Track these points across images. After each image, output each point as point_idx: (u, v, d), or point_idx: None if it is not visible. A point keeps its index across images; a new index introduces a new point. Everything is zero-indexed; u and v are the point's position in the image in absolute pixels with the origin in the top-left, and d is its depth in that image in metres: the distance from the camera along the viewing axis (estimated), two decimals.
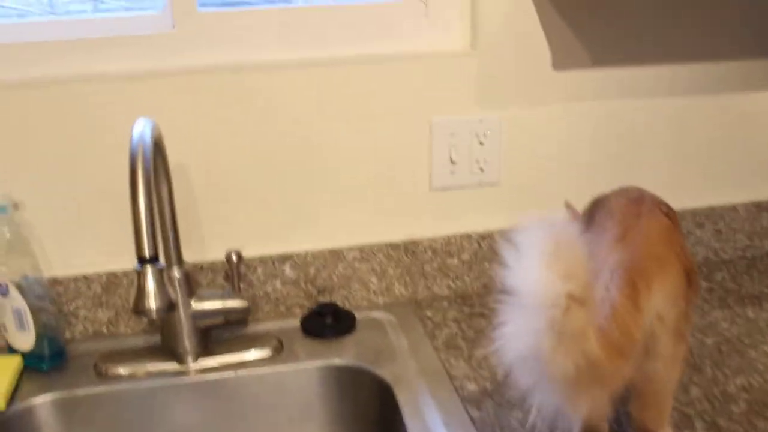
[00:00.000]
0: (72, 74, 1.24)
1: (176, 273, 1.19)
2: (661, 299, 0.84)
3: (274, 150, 1.32)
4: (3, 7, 1.31)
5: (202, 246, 1.34)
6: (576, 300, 0.72)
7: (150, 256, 0.92)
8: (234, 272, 1.27)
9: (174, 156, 1.27)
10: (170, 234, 1.17)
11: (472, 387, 1.15)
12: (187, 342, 1.22)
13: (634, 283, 0.83)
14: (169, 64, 1.26)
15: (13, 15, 1.30)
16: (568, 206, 1.03)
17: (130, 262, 1.32)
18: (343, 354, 1.26)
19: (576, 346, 0.74)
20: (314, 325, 1.33)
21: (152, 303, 0.94)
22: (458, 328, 1.33)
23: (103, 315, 1.34)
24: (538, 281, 0.72)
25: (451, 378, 1.17)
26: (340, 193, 1.36)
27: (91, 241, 1.31)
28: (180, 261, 1.20)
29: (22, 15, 1.30)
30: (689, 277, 0.89)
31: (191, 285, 1.22)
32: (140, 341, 1.34)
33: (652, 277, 0.84)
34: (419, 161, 1.37)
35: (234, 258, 1.23)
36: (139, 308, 0.94)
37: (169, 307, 0.95)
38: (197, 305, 1.21)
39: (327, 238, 1.38)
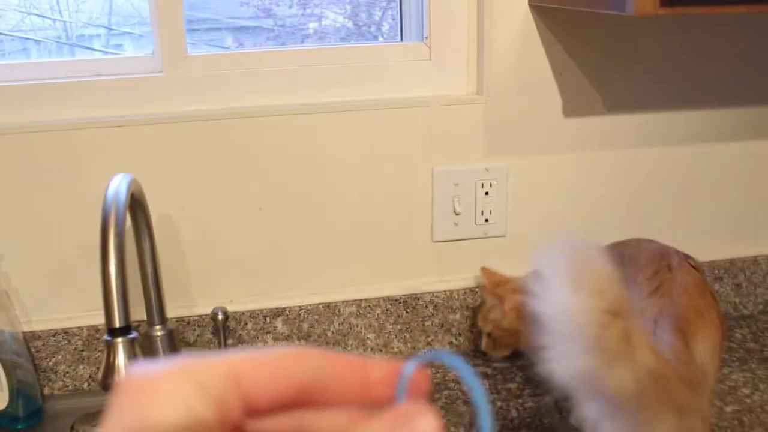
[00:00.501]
0: (50, 120, 1.17)
1: (158, 332, 1.12)
2: (704, 351, 0.81)
3: (267, 199, 1.25)
4: (15, 34, 1.25)
5: (189, 300, 1.27)
6: (611, 312, 0.69)
7: (121, 325, 0.85)
8: (221, 329, 1.20)
9: (159, 207, 1.20)
10: (152, 291, 1.10)
11: None
12: None
13: (682, 331, 0.80)
14: (156, 110, 1.20)
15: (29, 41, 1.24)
16: (485, 271, 1.20)
17: None
18: None
19: (626, 358, 0.70)
20: None
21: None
22: (459, 390, 1.24)
23: (84, 371, 1.27)
24: (569, 303, 0.69)
25: None
26: (337, 245, 1.29)
27: (72, 294, 1.24)
28: (163, 319, 1.13)
29: (36, 42, 1.24)
30: (723, 331, 0.87)
31: (175, 343, 1.14)
32: None
33: (697, 328, 0.81)
34: (421, 211, 1.30)
35: (220, 316, 1.16)
36: (107, 384, 0.86)
37: None
38: None
39: (322, 291, 1.31)
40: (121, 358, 0.86)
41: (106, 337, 0.86)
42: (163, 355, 1.12)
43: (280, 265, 1.28)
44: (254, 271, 1.28)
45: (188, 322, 1.27)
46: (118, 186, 0.91)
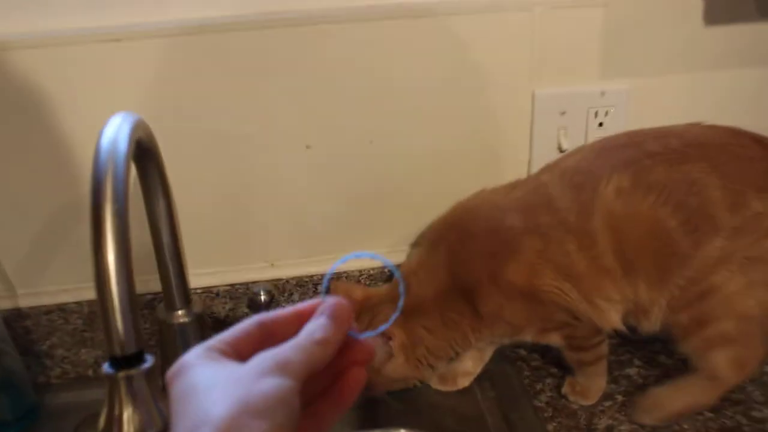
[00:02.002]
0: (25, 33, 0.86)
1: (181, 318, 0.84)
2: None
3: (317, 135, 0.94)
4: None
5: (217, 264, 0.99)
6: None
7: (128, 353, 0.57)
8: (261, 303, 0.92)
9: (175, 150, 0.90)
10: (170, 266, 0.82)
11: None
12: None
13: None
14: (169, 17, 0.88)
15: None
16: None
17: None
18: None
19: None
20: None
21: (132, 428, 0.58)
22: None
23: (87, 355, 1.00)
24: None
25: None
26: (405, 194, 0.99)
27: (67, 261, 0.96)
28: (186, 300, 0.85)
29: None
30: None
31: (205, 331, 0.87)
32: None
33: None
34: (516, 149, 1.00)
35: (262, 296, 0.87)
36: None
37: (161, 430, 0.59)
38: None
39: (390, 249, 1.02)
40: (127, 401, 0.58)
41: (106, 368, 0.58)
42: (184, 349, 0.84)
43: (335, 217, 0.99)
44: (301, 226, 0.99)
45: (217, 294, 0.99)
46: (116, 133, 0.61)
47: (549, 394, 0.94)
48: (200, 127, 0.91)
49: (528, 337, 0.88)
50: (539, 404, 0.92)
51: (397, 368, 0.86)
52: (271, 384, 0.40)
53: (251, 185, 0.96)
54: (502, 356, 0.99)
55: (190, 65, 0.88)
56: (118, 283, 0.56)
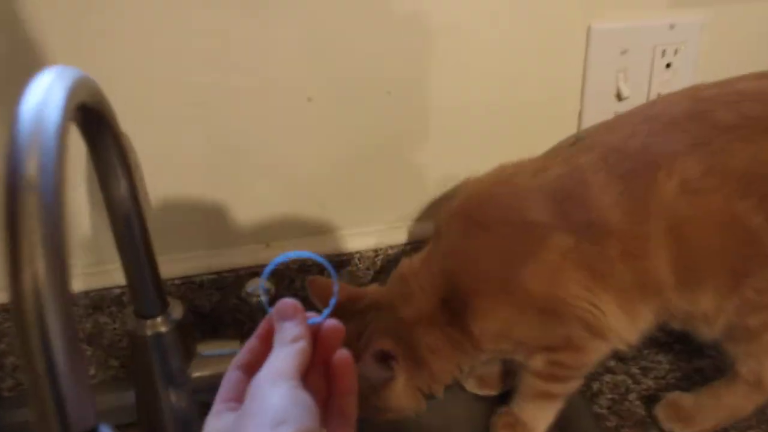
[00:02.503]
0: None
1: (161, 327, 0.66)
2: None
3: (321, 86, 0.75)
4: None
5: (199, 247, 0.81)
6: None
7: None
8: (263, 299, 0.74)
9: (141, 110, 0.70)
10: (139, 264, 0.63)
11: None
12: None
13: None
14: None
15: None
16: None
17: (85, 277, 0.79)
18: None
19: None
20: None
21: None
22: (628, 374, 0.80)
23: None
24: None
25: None
26: (430, 152, 0.81)
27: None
28: (162, 304, 0.66)
29: None
30: None
31: (188, 340, 0.69)
32: (107, 402, 0.82)
33: None
34: (564, 95, 0.82)
35: (260, 294, 0.69)
36: None
37: None
38: (199, 372, 0.69)
39: (414, 221, 0.84)
40: None
41: None
42: (162, 366, 0.66)
43: (342, 185, 0.81)
44: (301, 197, 0.80)
45: (200, 284, 0.81)
46: (44, 96, 0.41)
47: (609, 396, 0.77)
48: (174, 81, 0.71)
49: (519, 356, 0.71)
50: (599, 410, 0.75)
51: (393, 394, 0.68)
52: (278, 393, 0.41)
53: (240, 149, 0.76)
54: None
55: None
56: (55, 321, 0.37)
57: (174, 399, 0.69)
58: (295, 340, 0.45)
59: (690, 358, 0.81)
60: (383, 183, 0.82)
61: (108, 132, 0.53)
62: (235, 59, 0.72)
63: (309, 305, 0.52)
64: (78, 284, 0.79)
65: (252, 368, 0.45)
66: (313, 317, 0.48)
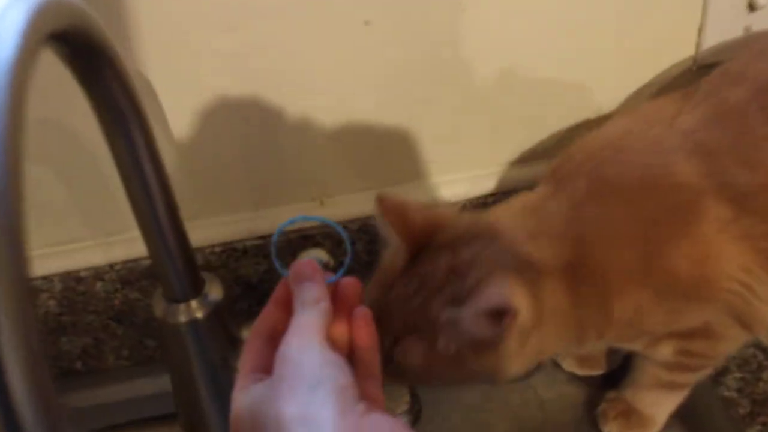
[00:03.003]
0: None
1: (197, 313, 0.53)
2: None
3: (380, 7, 0.60)
4: None
5: (243, 209, 0.68)
6: None
7: None
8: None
9: (171, 43, 0.57)
10: (163, 234, 0.50)
11: None
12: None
13: None
14: None
15: None
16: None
17: (105, 249, 0.67)
18: None
19: None
20: None
21: None
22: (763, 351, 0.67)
23: (70, 345, 0.71)
24: None
25: None
26: (510, 96, 0.66)
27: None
28: (198, 285, 0.54)
29: None
30: None
31: (230, 327, 0.57)
32: (145, 387, 0.71)
33: None
34: (681, 7, 0.64)
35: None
36: None
37: None
38: None
39: (493, 170, 0.70)
40: None
41: None
42: (200, 357, 0.54)
43: (410, 128, 0.67)
44: (361, 143, 0.67)
45: (243, 251, 0.68)
46: None
47: (738, 383, 0.63)
48: (199, 4, 0.57)
49: (638, 345, 0.58)
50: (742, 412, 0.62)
51: (493, 357, 0.51)
52: (309, 355, 0.39)
53: (284, 86, 0.63)
54: None
55: None
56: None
57: (216, 393, 0.57)
58: (317, 301, 0.43)
59: None
60: (454, 125, 0.68)
61: (106, 67, 0.40)
62: None
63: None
64: (103, 256, 0.67)
65: (273, 335, 0.44)
66: (330, 277, 0.46)
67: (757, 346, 0.66)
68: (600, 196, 0.51)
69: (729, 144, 0.49)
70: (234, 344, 0.57)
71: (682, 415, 0.62)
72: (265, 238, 0.68)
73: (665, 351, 0.56)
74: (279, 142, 0.65)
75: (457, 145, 0.69)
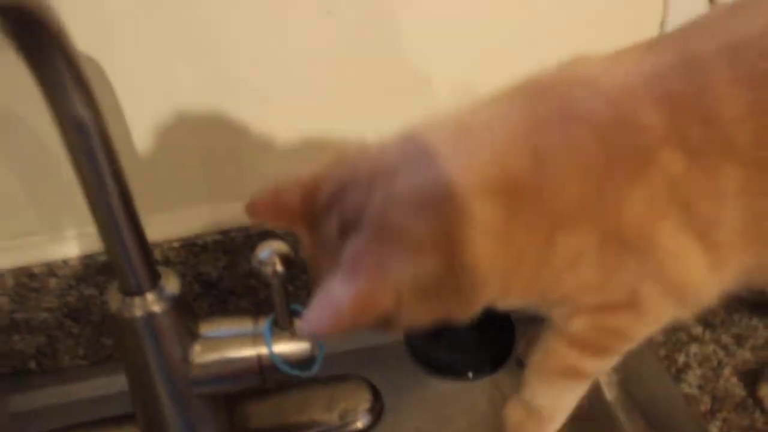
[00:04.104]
0: None
1: (154, 306, 0.52)
2: None
3: None
4: None
5: (201, 200, 0.67)
6: None
7: None
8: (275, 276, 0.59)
9: (126, 22, 0.56)
10: (117, 223, 0.49)
11: None
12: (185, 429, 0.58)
13: None
14: None
15: None
16: None
17: (57, 244, 0.66)
18: None
19: None
20: (436, 345, 0.67)
21: None
22: (717, 344, 0.67)
23: (23, 344, 0.70)
24: None
25: None
26: (445, 74, 0.65)
27: None
28: (154, 278, 0.53)
29: None
30: None
31: (189, 321, 0.55)
32: (103, 387, 0.70)
33: None
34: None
35: (278, 267, 0.54)
36: None
37: None
38: (204, 358, 0.55)
39: None
40: None
41: None
42: (156, 354, 0.53)
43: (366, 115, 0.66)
44: (323, 128, 0.66)
45: (204, 247, 0.68)
46: None
47: (699, 372, 0.64)
48: None
49: (557, 309, 0.55)
50: (689, 390, 0.62)
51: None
52: None
53: (247, 75, 0.62)
54: None
55: None
56: None
57: (174, 393, 0.56)
58: None
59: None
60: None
61: (55, 49, 0.38)
62: None
63: None
64: (57, 251, 0.66)
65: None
66: None
67: (717, 342, 0.67)
68: (568, 121, 0.49)
69: (692, 97, 0.48)
70: (192, 340, 0.56)
71: (643, 411, 0.63)
72: (226, 233, 0.67)
73: (579, 323, 0.54)
74: (238, 134, 0.64)
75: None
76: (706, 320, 0.66)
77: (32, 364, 0.71)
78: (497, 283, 0.48)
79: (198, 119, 0.62)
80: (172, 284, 0.54)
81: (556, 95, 0.49)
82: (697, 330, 0.68)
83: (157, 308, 0.52)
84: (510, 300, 0.51)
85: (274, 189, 0.48)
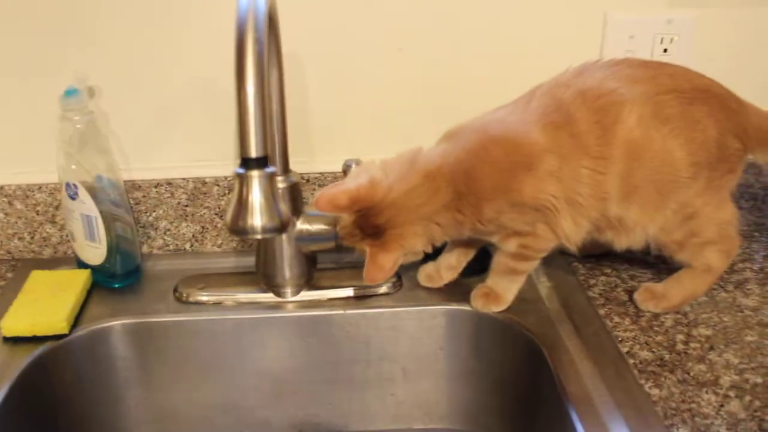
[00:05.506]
0: None
1: (280, 183, 0.95)
2: None
3: (409, 38, 1.05)
4: None
5: (311, 154, 1.10)
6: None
7: (258, 156, 0.68)
8: None
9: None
10: (276, 135, 0.93)
11: (645, 355, 0.88)
12: (288, 270, 0.99)
13: None
14: None
15: None
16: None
17: (223, 168, 1.09)
18: None
19: None
20: None
21: (257, 219, 0.70)
22: (617, 276, 1.06)
23: (187, 229, 1.12)
24: None
25: (616, 341, 0.91)
26: (483, 100, 1.09)
27: (178, 140, 1.08)
28: (286, 168, 0.96)
29: None
30: None
31: (298, 201, 0.98)
32: (229, 263, 1.12)
33: None
34: None
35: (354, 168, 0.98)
36: (238, 226, 0.70)
37: (279, 227, 0.70)
38: (304, 226, 0.97)
39: None
40: (256, 194, 0.69)
41: (238, 170, 0.70)
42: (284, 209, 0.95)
43: (418, 119, 1.10)
44: (388, 126, 1.10)
45: (307, 180, 1.11)
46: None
47: (601, 288, 1.03)
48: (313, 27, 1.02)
49: (495, 238, 0.94)
50: (592, 295, 1.01)
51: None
52: None
53: (343, 79, 1.07)
54: (556, 259, 1.09)
55: None
56: (255, 103, 0.68)
57: (285, 242, 0.98)
58: None
59: (659, 273, 1.05)
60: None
61: (273, 33, 0.84)
62: (345, 10, 1.03)
63: None
64: (220, 171, 1.09)
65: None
66: None
67: (618, 276, 1.06)
68: (485, 144, 0.88)
69: (562, 122, 0.88)
70: (300, 213, 0.98)
71: (563, 301, 1.01)
72: (322, 173, 1.10)
73: (511, 244, 0.93)
74: (329, 115, 1.08)
75: None
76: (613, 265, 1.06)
77: (187, 245, 1.14)
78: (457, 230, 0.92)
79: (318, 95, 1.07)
80: (294, 175, 0.97)
81: (475, 132, 0.90)
82: (607, 269, 1.07)
83: (283, 185, 0.95)
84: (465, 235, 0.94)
85: (331, 192, 0.86)
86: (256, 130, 0.68)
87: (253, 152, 0.68)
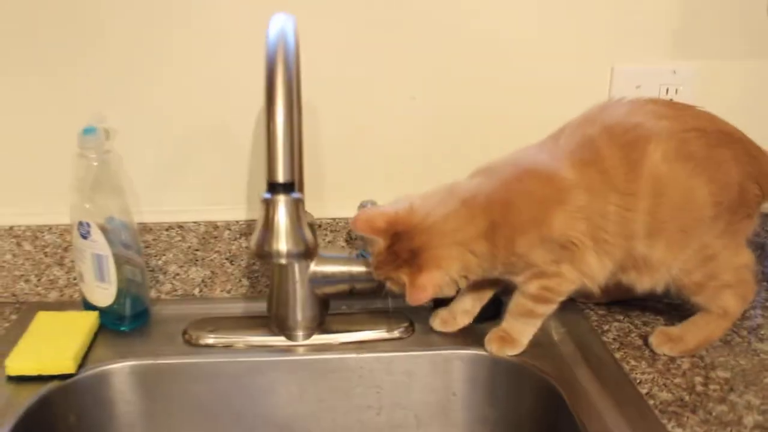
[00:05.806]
0: None
1: None
2: None
3: (422, 86, 1.07)
4: None
5: (321, 198, 1.10)
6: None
7: (285, 181, 0.69)
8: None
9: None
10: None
11: (664, 396, 0.87)
12: (300, 312, 0.98)
13: None
14: None
15: None
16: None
17: (235, 212, 1.09)
18: None
19: None
20: None
21: (282, 244, 0.70)
22: (630, 322, 1.06)
23: (196, 274, 1.11)
24: None
25: (635, 383, 0.90)
26: (493, 146, 1.10)
27: (190, 184, 1.09)
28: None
29: None
30: None
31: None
32: (238, 309, 1.11)
33: None
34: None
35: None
36: (263, 250, 0.70)
37: (304, 252, 0.70)
38: (318, 267, 0.97)
39: None
40: (281, 218, 0.69)
41: (265, 194, 0.70)
42: (309, 235, 0.93)
43: (429, 167, 1.11)
44: (401, 171, 1.11)
45: (319, 225, 1.10)
46: (283, 23, 0.74)
47: (615, 333, 1.02)
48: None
49: (521, 278, 0.93)
50: (607, 339, 1.01)
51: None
52: None
53: (357, 125, 1.08)
54: (568, 305, 1.07)
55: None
56: (284, 129, 0.68)
57: (298, 283, 0.97)
58: None
59: (671, 318, 1.05)
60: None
61: (296, 62, 0.85)
62: (360, 59, 1.05)
63: None
64: (232, 214, 1.09)
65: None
66: None
67: (631, 322, 1.05)
68: (520, 176, 0.90)
69: (590, 159, 0.90)
70: (315, 256, 0.98)
71: (579, 345, 1.00)
72: (334, 219, 1.10)
73: (533, 286, 0.93)
74: (342, 161, 1.09)
75: None
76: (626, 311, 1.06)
77: (196, 290, 1.13)
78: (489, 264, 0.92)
79: (333, 141, 1.08)
80: (309, 216, 0.97)
81: (510, 167, 0.92)
82: (619, 316, 1.07)
83: None
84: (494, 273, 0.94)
85: (369, 214, 0.88)
86: (284, 155, 0.69)
87: (281, 177, 0.68)
